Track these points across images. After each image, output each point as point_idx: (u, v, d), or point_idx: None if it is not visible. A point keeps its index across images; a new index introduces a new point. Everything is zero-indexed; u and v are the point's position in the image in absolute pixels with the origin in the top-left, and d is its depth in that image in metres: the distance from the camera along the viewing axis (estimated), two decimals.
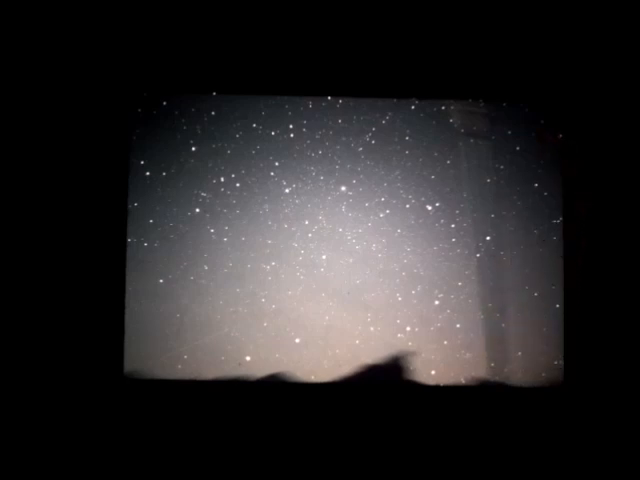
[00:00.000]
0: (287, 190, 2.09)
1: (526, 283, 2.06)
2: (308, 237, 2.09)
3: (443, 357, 2.06)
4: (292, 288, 2.08)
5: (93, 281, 2.00)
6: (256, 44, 2.04)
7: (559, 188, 2.06)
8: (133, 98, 2.06)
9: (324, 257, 2.08)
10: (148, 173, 2.07)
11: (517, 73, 2.05)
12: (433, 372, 2.05)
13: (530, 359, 2.05)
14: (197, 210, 2.08)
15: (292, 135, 2.08)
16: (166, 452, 1.97)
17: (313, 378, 2.05)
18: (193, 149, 2.08)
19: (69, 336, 1.98)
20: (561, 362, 2.02)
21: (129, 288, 2.05)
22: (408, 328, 2.07)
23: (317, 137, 2.08)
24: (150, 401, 2.01)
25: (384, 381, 2.04)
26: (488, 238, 2.08)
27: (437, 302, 2.07)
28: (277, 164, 2.08)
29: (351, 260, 2.08)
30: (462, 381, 2.05)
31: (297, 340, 2.06)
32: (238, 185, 2.09)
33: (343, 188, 2.09)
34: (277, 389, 2.04)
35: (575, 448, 1.96)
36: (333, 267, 2.08)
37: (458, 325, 2.07)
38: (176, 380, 2.03)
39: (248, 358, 2.06)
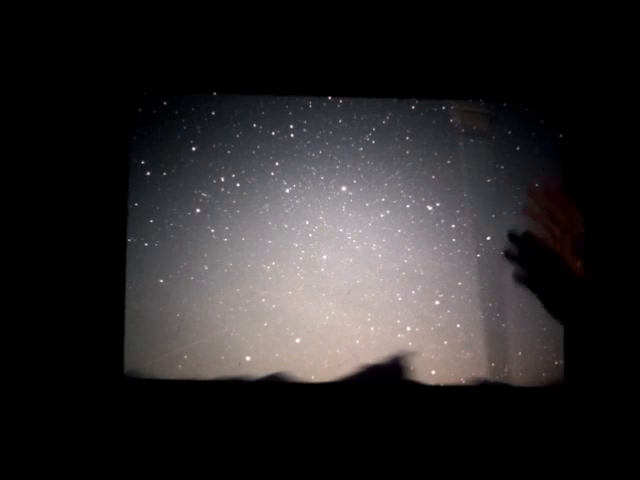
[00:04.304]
0: (287, 190, 2.09)
1: None
2: (308, 237, 2.08)
3: (443, 357, 2.06)
4: (292, 288, 2.08)
5: (93, 281, 2.00)
6: (256, 44, 2.04)
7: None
8: (133, 98, 2.06)
9: (324, 257, 2.08)
10: (148, 173, 2.07)
11: (517, 73, 2.05)
12: (433, 372, 2.05)
13: (530, 359, 2.05)
14: (197, 210, 2.08)
15: (292, 135, 2.08)
16: (166, 452, 1.97)
17: (313, 378, 2.05)
18: (193, 149, 2.08)
19: (69, 336, 1.98)
20: (561, 362, 2.03)
21: (129, 288, 2.05)
22: (408, 328, 2.07)
23: (317, 137, 2.08)
24: (150, 401, 2.01)
25: (384, 381, 2.04)
26: (488, 238, 2.08)
27: (437, 302, 2.07)
28: (277, 164, 2.08)
29: (351, 260, 2.08)
30: (462, 381, 2.05)
31: (297, 340, 2.06)
32: (238, 185, 2.09)
33: (343, 188, 2.09)
34: (277, 389, 2.03)
35: (575, 448, 1.96)
36: (333, 267, 2.08)
37: (458, 325, 2.07)
38: (176, 380, 2.03)
39: (248, 358, 2.06)
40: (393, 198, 2.09)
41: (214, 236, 2.08)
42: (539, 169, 2.07)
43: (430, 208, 2.09)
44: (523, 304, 2.06)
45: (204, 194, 2.08)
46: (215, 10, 2.01)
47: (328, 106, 2.08)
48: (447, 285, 2.08)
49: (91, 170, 2.02)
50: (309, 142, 2.08)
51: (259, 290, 2.07)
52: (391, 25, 2.03)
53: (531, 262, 1.20)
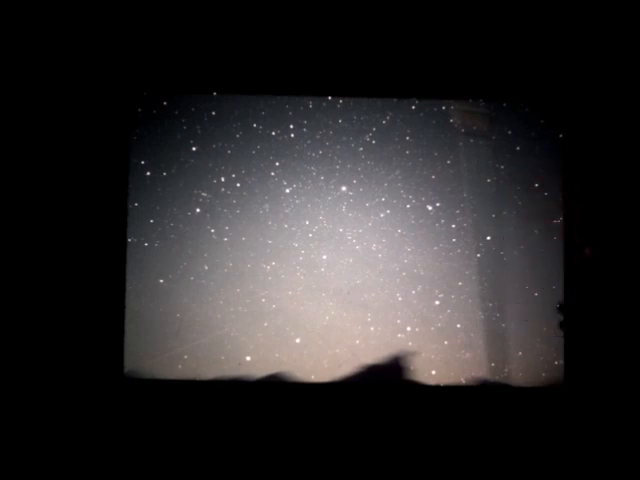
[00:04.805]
0: (287, 190, 2.09)
1: (526, 283, 2.06)
2: (308, 237, 2.09)
3: (443, 357, 2.06)
4: (292, 288, 2.08)
5: (93, 281, 2.00)
6: (256, 44, 2.04)
7: (559, 188, 2.07)
8: (133, 98, 2.06)
9: (324, 257, 2.08)
10: (148, 173, 2.07)
11: (517, 73, 2.05)
12: (433, 372, 2.05)
13: (530, 359, 2.05)
14: (197, 210, 2.08)
15: (292, 135, 2.08)
16: (166, 452, 1.97)
17: (313, 378, 2.05)
18: (193, 149, 2.08)
19: (69, 336, 1.98)
20: (561, 362, 2.03)
21: (129, 288, 2.05)
22: (408, 328, 2.07)
23: (317, 137, 2.08)
24: (150, 401, 2.01)
25: (384, 381, 2.04)
26: (488, 238, 2.08)
27: (437, 302, 2.07)
28: (277, 164, 2.09)
29: (351, 260, 2.08)
30: (462, 381, 2.05)
31: (297, 340, 2.06)
32: (238, 185, 2.09)
33: (343, 188, 2.09)
34: (277, 389, 2.04)
35: (575, 448, 1.96)
36: (333, 267, 2.08)
37: (458, 325, 2.07)
38: (176, 380, 2.03)
39: (248, 358, 2.06)
40: (393, 198, 2.09)
41: (214, 236, 2.08)
42: (539, 169, 2.07)
43: (430, 208, 2.09)
44: (523, 304, 2.06)
45: (204, 194, 2.08)
46: (215, 10, 2.01)
47: (328, 106, 2.08)
48: (447, 285, 2.08)
49: (91, 170, 2.02)
50: (309, 142, 2.08)
51: (259, 290, 2.08)
52: (391, 25, 2.03)
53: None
